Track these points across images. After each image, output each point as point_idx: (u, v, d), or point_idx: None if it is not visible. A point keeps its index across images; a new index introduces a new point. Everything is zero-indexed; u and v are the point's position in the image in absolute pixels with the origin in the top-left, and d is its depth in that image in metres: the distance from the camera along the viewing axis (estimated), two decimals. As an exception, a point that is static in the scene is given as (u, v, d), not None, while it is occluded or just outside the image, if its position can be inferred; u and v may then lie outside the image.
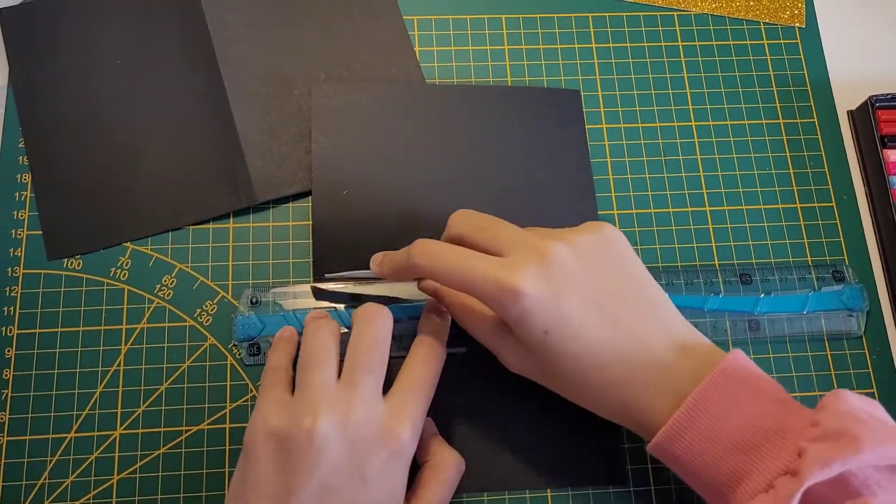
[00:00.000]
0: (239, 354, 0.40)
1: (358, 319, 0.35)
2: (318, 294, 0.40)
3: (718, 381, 0.30)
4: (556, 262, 0.31)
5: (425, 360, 0.35)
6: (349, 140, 0.43)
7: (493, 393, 0.40)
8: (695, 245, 0.43)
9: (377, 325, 0.34)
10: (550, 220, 0.42)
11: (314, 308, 0.40)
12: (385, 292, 0.40)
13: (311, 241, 0.42)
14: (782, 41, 0.48)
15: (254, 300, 0.40)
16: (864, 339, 0.42)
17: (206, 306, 0.41)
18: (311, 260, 0.41)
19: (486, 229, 0.34)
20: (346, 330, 0.39)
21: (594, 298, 0.32)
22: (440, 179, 0.43)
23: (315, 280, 0.41)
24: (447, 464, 0.35)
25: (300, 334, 0.38)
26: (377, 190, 0.42)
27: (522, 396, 0.39)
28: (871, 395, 0.41)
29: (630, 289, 0.33)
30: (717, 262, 0.43)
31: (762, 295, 0.42)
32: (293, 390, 0.34)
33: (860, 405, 0.29)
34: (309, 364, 0.33)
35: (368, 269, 0.38)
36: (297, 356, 0.35)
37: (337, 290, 0.40)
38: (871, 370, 0.41)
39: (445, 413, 0.39)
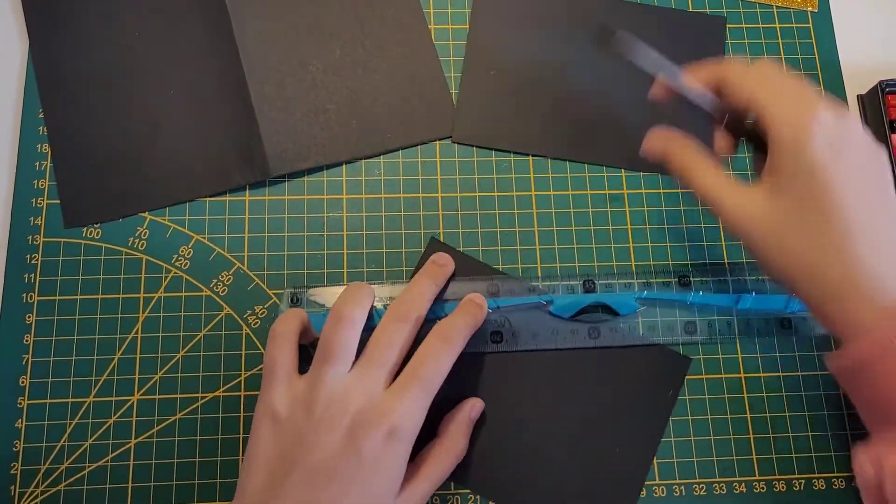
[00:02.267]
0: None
1: (389, 314, 0.36)
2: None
3: None
4: (852, 123, 0.33)
5: (435, 356, 0.35)
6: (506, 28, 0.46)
7: (527, 408, 0.40)
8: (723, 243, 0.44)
9: (402, 330, 0.35)
10: None
11: None
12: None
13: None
14: (794, 25, 0.48)
15: (294, 299, 0.41)
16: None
17: (222, 276, 0.41)
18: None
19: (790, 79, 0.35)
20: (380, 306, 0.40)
21: (867, 175, 0.33)
22: (581, 83, 0.44)
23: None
24: (451, 450, 0.37)
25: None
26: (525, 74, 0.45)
27: (558, 418, 0.40)
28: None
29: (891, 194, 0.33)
30: (745, 260, 0.44)
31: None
32: (299, 359, 0.36)
33: None
34: (324, 358, 0.34)
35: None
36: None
37: None
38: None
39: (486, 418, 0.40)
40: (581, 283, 0.42)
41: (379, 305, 0.40)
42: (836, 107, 0.33)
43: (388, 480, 0.33)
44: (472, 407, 0.39)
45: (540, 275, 0.42)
